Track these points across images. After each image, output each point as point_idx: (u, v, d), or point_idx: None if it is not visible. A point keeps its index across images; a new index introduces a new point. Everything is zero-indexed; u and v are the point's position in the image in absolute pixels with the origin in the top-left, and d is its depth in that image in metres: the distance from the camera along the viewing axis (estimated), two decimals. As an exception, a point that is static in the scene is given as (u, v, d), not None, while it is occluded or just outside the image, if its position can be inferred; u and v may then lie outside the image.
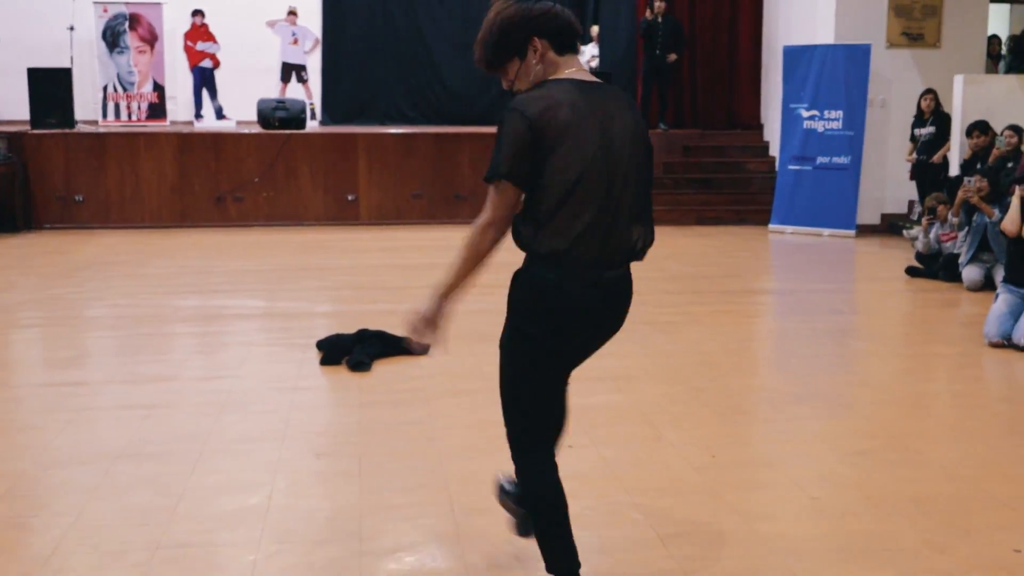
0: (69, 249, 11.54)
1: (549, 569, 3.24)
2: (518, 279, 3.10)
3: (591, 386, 6.08)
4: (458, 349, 6.55)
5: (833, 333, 7.97)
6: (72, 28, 15.16)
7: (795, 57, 13.14)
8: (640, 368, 6.52)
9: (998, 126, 10.69)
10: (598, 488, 4.48)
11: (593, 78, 3.11)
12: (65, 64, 14.52)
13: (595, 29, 17.01)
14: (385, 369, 6.35)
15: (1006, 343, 7.08)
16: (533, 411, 3.24)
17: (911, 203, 12.79)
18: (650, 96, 14.24)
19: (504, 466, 4.34)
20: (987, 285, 9.07)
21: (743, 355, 7.33)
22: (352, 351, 6.52)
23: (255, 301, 8.70)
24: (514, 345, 3.18)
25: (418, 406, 5.62)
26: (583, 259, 3.00)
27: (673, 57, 14.03)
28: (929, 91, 12.12)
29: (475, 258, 2.99)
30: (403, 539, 3.95)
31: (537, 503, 3.24)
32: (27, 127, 13.44)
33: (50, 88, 13.48)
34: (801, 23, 13.70)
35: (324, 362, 6.50)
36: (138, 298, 8.80)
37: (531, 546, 3.86)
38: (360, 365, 6.35)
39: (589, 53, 16.89)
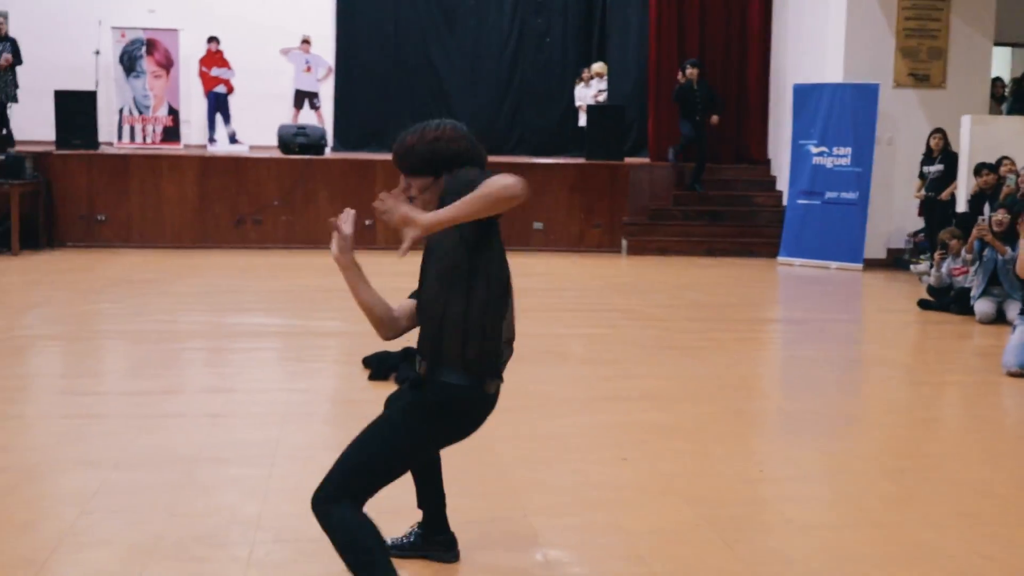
0: (94, 267, 11.76)
1: None
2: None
3: (632, 405, 6.38)
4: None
5: (854, 361, 8.28)
6: (98, 52, 15.47)
7: (805, 95, 13.52)
8: (676, 389, 6.79)
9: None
10: (658, 498, 4.73)
11: None
12: (89, 87, 14.80)
13: (599, 65, 17.38)
14: (432, 385, 6.60)
15: (1024, 372, 7.37)
16: (384, 478, 3.26)
17: (911, 235, 13.14)
18: (699, 158, 14.49)
19: (564, 476, 4.63)
20: (998, 318, 9.38)
21: (771, 379, 7.62)
22: (399, 368, 6.76)
23: (292, 320, 8.94)
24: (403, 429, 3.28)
25: (471, 420, 5.85)
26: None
27: (716, 119, 14.20)
28: (938, 130, 12.51)
29: (489, 208, 2.97)
30: (482, 542, 4.18)
31: (366, 534, 3.15)
32: (52, 147, 13.70)
33: (75, 110, 13.78)
34: (810, 62, 14.09)
35: (372, 378, 6.74)
36: (176, 315, 9.04)
37: (605, 548, 4.13)
38: (408, 381, 6.58)
39: (596, 87, 17.26)
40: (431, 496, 3.86)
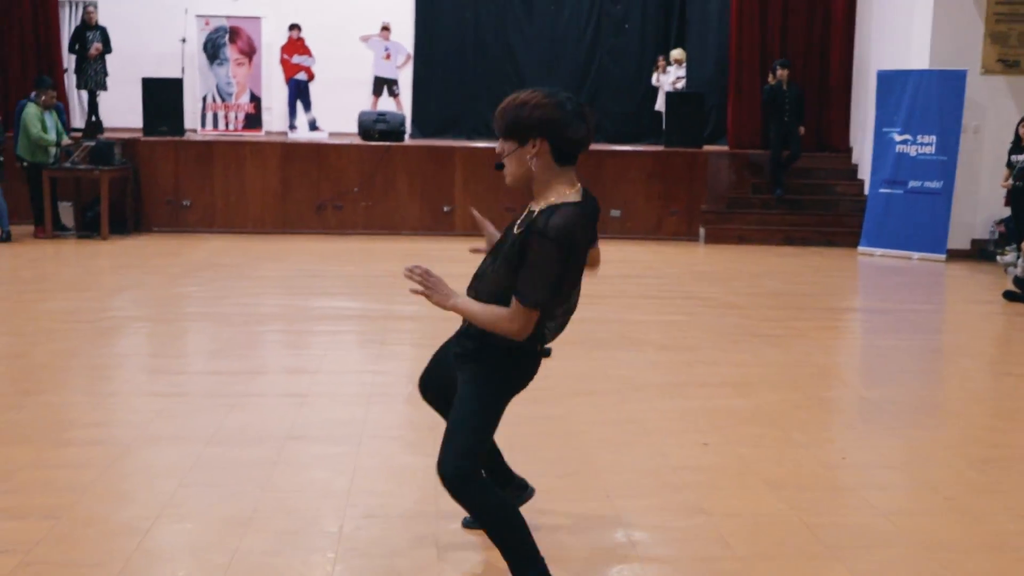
0: (179, 251, 12.05)
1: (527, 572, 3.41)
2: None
3: (712, 391, 6.43)
4: (579, 353, 6.95)
5: (938, 351, 8.23)
6: (184, 40, 15.81)
7: (889, 82, 13.35)
8: (755, 376, 6.81)
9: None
10: (739, 482, 4.79)
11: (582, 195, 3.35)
12: (175, 75, 15.14)
13: (679, 52, 17.32)
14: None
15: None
16: (485, 444, 3.55)
17: (996, 224, 12.93)
18: (777, 160, 14.12)
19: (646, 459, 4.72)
20: (1086, 310, 9.24)
21: (852, 368, 7.61)
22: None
23: (372, 304, 9.10)
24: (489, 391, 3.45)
25: (553, 403, 5.94)
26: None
27: (803, 130, 14.00)
28: (1028, 117, 12.29)
29: (486, 326, 3.29)
30: (566, 523, 4.27)
31: (499, 516, 3.38)
32: (140, 134, 14.06)
33: (162, 97, 14.13)
34: (895, 48, 13.90)
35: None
36: (261, 298, 9.27)
37: (688, 530, 4.20)
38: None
39: (674, 75, 17.22)
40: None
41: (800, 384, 6.72)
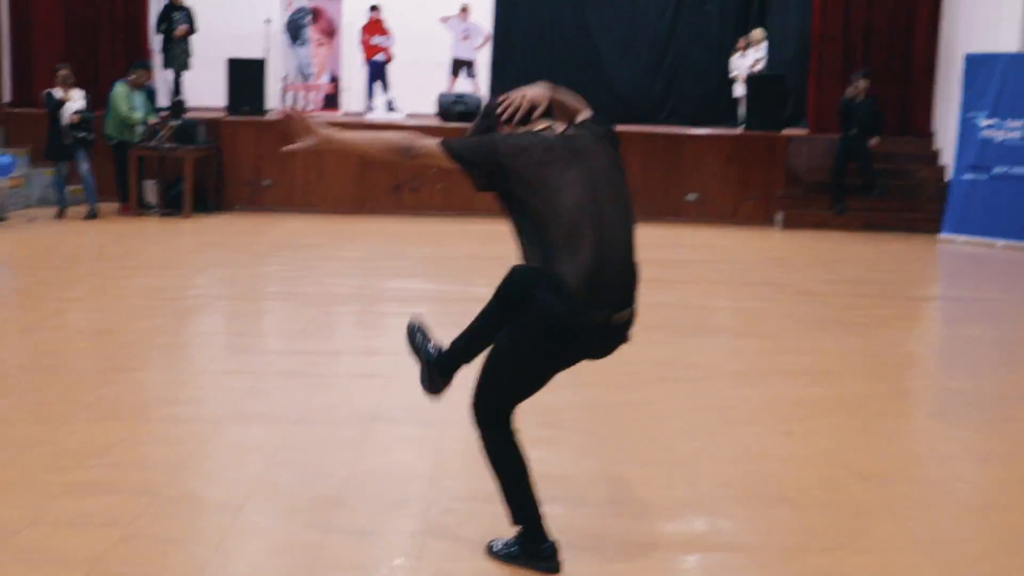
0: (260, 230, 12.22)
1: (515, 520, 3.63)
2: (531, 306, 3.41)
3: (793, 380, 6.38)
4: (659, 339, 6.93)
5: (1022, 341, 8.05)
6: (268, 21, 15.99)
7: (977, 65, 13.05)
8: (837, 365, 6.73)
9: None
10: (823, 471, 4.75)
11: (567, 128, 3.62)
12: (258, 55, 15.30)
13: (759, 31, 17.06)
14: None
15: None
16: (508, 399, 3.63)
17: None
18: (842, 172, 13.72)
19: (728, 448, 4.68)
20: None
21: (935, 357, 7.49)
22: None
23: (451, 286, 9.15)
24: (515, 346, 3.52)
25: (634, 389, 5.94)
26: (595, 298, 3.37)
27: (875, 141, 13.54)
28: (1119, 103, 11.96)
29: (373, 152, 3.66)
30: (651, 510, 4.27)
31: (503, 465, 3.62)
32: (223, 114, 14.26)
33: (246, 78, 14.31)
34: (984, 30, 13.58)
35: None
36: (341, 278, 9.38)
37: (774, 520, 4.17)
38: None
39: (752, 57, 16.97)
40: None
41: (883, 374, 6.64)
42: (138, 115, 12.81)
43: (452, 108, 14.42)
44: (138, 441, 4.85)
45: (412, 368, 6.33)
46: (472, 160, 3.50)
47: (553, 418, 5.24)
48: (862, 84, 13.36)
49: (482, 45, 17.45)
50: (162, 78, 15.76)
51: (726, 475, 4.67)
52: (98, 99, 13.37)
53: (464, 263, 10.37)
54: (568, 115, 3.73)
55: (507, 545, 3.69)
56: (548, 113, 3.65)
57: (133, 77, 12.88)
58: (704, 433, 5.27)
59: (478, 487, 4.38)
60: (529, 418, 5.05)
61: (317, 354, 6.68)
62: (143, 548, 3.71)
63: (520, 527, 3.64)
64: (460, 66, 17.15)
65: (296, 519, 4.02)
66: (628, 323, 3.55)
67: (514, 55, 17.70)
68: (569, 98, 3.76)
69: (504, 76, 17.66)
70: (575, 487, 4.42)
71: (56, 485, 4.21)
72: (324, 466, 4.59)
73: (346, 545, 3.82)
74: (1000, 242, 12.76)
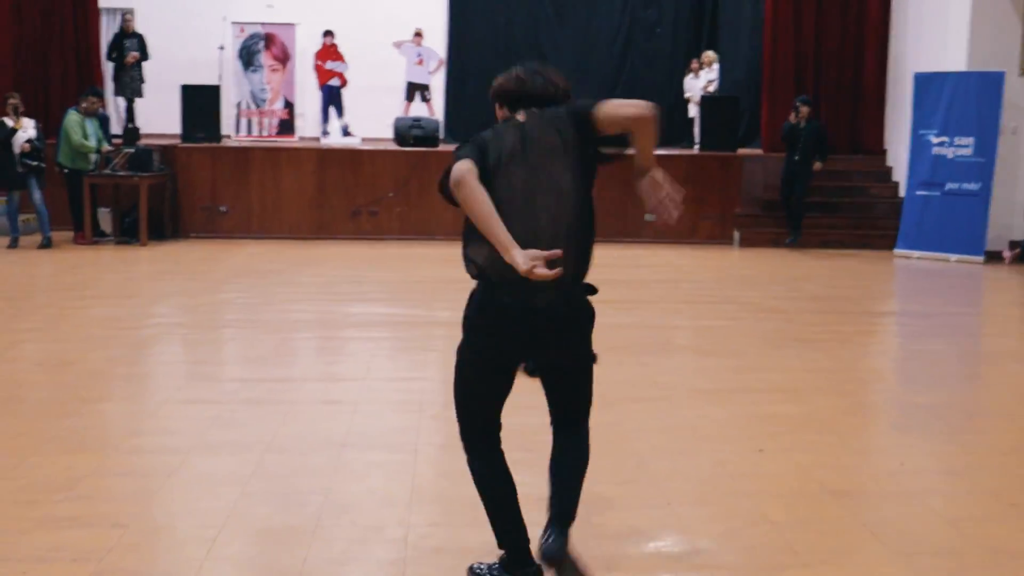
0: (218, 257, 12.11)
1: (500, 544, 3.61)
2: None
3: (762, 397, 6.39)
4: (625, 359, 6.94)
5: (982, 355, 8.17)
6: (222, 48, 15.90)
7: (926, 83, 13.27)
8: (804, 382, 6.76)
9: None
10: (799, 487, 4.75)
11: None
12: (212, 81, 15.21)
13: (710, 54, 17.21)
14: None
15: None
16: (471, 412, 3.65)
17: None
18: (786, 203, 13.65)
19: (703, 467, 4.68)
20: None
21: (899, 372, 7.55)
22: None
23: (415, 310, 9.10)
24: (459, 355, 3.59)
25: (604, 410, 5.81)
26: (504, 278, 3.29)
27: (819, 166, 13.45)
28: (1066, 119, 12.20)
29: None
30: (630, 532, 4.25)
31: (485, 489, 3.62)
32: (178, 140, 14.14)
33: (200, 104, 14.21)
34: (931, 50, 13.81)
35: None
36: (303, 304, 9.29)
37: (754, 538, 4.17)
38: (536, 371, 6.68)
39: (705, 78, 17.12)
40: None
41: (849, 389, 6.69)
42: (91, 143, 12.67)
43: (408, 132, 14.39)
44: (107, 473, 4.76)
45: (380, 393, 6.33)
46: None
47: (528, 441, 5.16)
48: (804, 110, 13.33)
49: (436, 69, 17.47)
50: (115, 105, 15.63)
51: (702, 494, 4.67)
52: (50, 127, 13.22)
53: (425, 287, 10.32)
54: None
55: (490, 568, 3.66)
56: (519, 101, 3.54)
57: (85, 104, 12.74)
58: (677, 452, 5.26)
59: (455, 511, 4.36)
60: (506, 441, 5.02)
61: (282, 381, 6.61)
62: (118, 583, 3.63)
63: (504, 551, 3.60)
64: (415, 90, 17.14)
65: (272, 549, 3.95)
66: (559, 308, 3.38)
67: (468, 79, 17.73)
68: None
69: (459, 99, 17.72)
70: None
71: (26, 520, 4.11)
72: (298, 494, 4.53)
73: (326, 574, 3.76)
74: (954, 257, 12.94)
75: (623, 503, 4.52)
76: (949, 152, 13.11)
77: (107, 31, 16.42)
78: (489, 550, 3.67)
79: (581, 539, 4.06)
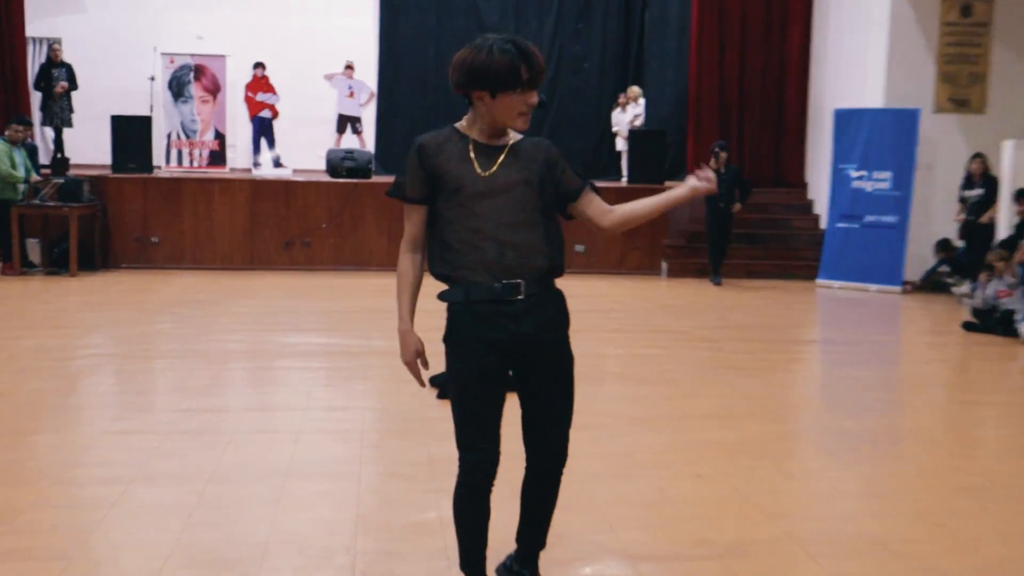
0: (150, 287, 11.95)
1: (461, 566, 3.59)
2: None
3: (697, 423, 6.48)
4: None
5: (904, 381, 8.36)
6: (152, 78, 15.75)
7: (845, 120, 13.62)
8: (737, 408, 6.87)
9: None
10: (737, 511, 4.82)
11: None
12: (142, 112, 15.05)
13: (635, 89, 17.46)
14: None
15: (1075, 394, 7.44)
16: (465, 422, 3.45)
17: (938, 251, 13.13)
18: (714, 249, 13.62)
19: (644, 492, 4.71)
20: (1043, 340, 9.46)
21: (827, 399, 7.69)
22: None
23: (352, 340, 9.06)
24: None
25: (543, 437, 5.94)
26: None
27: (738, 207, 13.40)
28: (978, 155, 12.60)
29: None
30: (577, 556, 4.28)
31: (455, 510, 3.54)
32: (108, 171, 13.95)
33: (130, 134, 14.05)
34: (850, 87, 14.19)
35: (441, 396, 6.85)
36: (237, 334, 9.20)
37: (696, 561, 4.21)
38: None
39: (632, 113, 17.37)
40: (522, 531, 3.79)
41: (780, 416, 6.80)
42: (20, 173, 12.45)
43: (341, 164, 14.37)
44: (46, 505, 4.66)
45: (321, 423, 6.29)
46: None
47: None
48: (723, 156, 13.27)
49: (367, 102, 17.50)
50: (43, 135, 15.38)
51: (644, 519, 4.71)
52: (-24, 157, 12.95)
53: (359, 317, 10.29)
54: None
55: None
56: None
57: (9, 132, 12.53)
58: (618, 478, 5.30)
59: (401, 538, 4.34)
60: (452, 469, 5.02)
61: (220, 412, 6.54)
62: (63, 616, 3.56)
63: (464, 574, 3.61)
64: (346, 122, 17.14)
65: (220, 580, 3.91)
66: (523, 306, 3.36)
67: (399, 111, 17.78)
68: None
69: (390, 132, 17.74)
70: (497, 534, 4.38)
71: (-34, 554, 4.02)
72: (244, 525, 4.48)
73: (275, 604, 3.72)
74: (873, 287, 13.25)
75: (567, 529, 4.52)
76: (868, 186, 13.45)
77: (34, 60, 16.19)
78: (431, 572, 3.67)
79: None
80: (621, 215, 3.59)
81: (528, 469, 3.67)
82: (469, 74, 3.36)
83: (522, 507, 3.74)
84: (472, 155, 3.41)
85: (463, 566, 3.59)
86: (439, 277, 3.45)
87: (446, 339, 3.44)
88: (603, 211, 3.60)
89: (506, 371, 3.44)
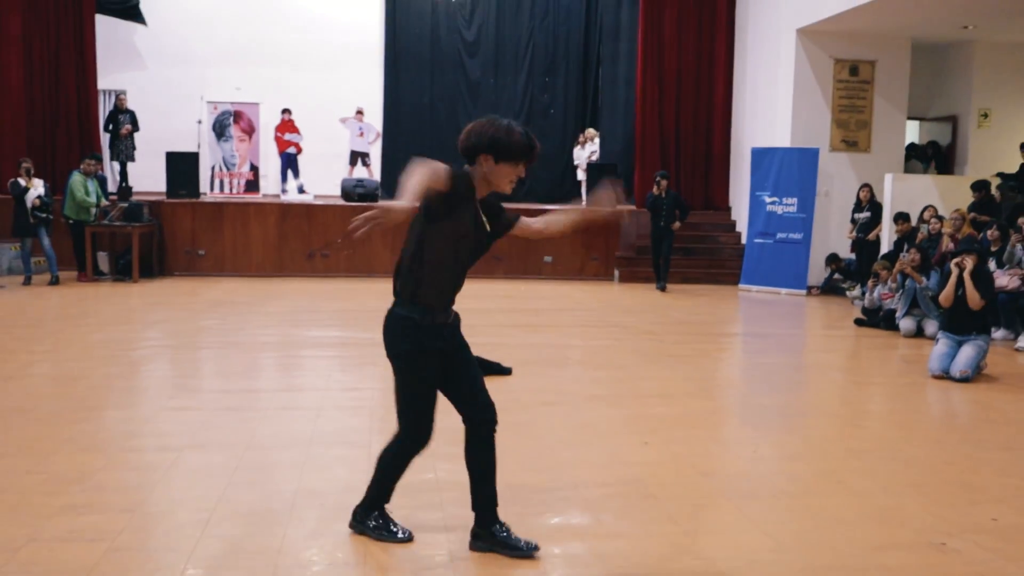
0: (199, 291, 11.84)
1: (371, 504, 3.76)
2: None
3: (644, 401, 6.46)
4: (534, 372, 6.95)
5: (810, 366, 8.38)
6: (200, 122, 15.62)
7: (760, 156, 13.67)
8: (676, 388, 6.87)
9: (917, 214, 11.36)
10: (677, 471, 4.81)
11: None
12: (192, 149, 14.93)
13: (591, 131, 17.46)
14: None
15: (945, 375, 7.47)
16: (422, 412, 3.66)
17: (828, 263, 13.18)
18: (658, 260, 13.34)
19: (601, 456, 4.67)
20: (918, 333, 9.51)
21: (749, 380, 7.69)
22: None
23: (363, 333, 9.00)
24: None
25: (519, 412, 5.93)
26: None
27: (677, 225, 13.11)
28: (866, 185, 12.67)
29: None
30: (544, 508, 4.26)
31: (398, 458, 3.71)
32: (163, 197, 13.83)
33: (181, 167, 13.95)
34: (764, 130, 14.25)
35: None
36: (271, 329, 9.13)
37: (644, 511, 4.20)
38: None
39: (589, 149, 17.36)
40: (476, 493, 3.71)
41: (712, 394, 6.82)
42: (92, 199, 12.34)
43: (353, 191, 14.32)
44: (115, 468, 4.61)
45: (338, 400, 6.25)
46: None
47: (457, 437, 5.18)
48: (663, 183, 13.08)
49: (374, 141, 17.39)
50: (111, 169, 15.23)
51: (601, 477, 4.70)
52: (56, 185, 12.86)
53: (370, 314, 10.20)
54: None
55: (375, 521, 3.79)
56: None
57: (84, 167, 12.42)
58: (579, 445, 5.29)
59: (405, 494, 4.30)
60: (439, 437, 5.00)
61: (255, 392, 6.49)
62: (128, 558, 3.52)
63: (377, 511, 3.75)
64: (357, 157, 17.02)
65: (257, 529, 3.87)
66: (454, 323, 3.60)
67: (400, 148, 17.66)
68: None
69: (393, 165, 17.60)
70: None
71: (49, 507, 3.96)
72: (275, 483, 4.45)
73: (303, 548, 3.69)
74: (784, 290, 13.29)
75: (540, 487, 4.52)
76: (779, 209, 13.50)
77: (104, 107, 16.04)
78: (443, 525, 3.65)
79: (504, 516, 4.06)
80: (544, 222, 3.81)
81: (470, 432, 3.67)
82: (489, 141, 3.34)
83: (471, 470, 3.69)
84: (481, 211, 3.48)
85: (381, 502, 3.74)
86: (405, 294, 3.43)
87: (406, 350, 3.46)
88: (533, 223, 3.83)
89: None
